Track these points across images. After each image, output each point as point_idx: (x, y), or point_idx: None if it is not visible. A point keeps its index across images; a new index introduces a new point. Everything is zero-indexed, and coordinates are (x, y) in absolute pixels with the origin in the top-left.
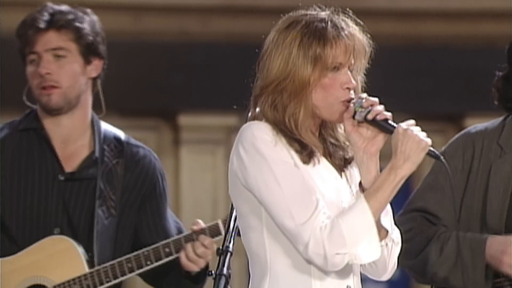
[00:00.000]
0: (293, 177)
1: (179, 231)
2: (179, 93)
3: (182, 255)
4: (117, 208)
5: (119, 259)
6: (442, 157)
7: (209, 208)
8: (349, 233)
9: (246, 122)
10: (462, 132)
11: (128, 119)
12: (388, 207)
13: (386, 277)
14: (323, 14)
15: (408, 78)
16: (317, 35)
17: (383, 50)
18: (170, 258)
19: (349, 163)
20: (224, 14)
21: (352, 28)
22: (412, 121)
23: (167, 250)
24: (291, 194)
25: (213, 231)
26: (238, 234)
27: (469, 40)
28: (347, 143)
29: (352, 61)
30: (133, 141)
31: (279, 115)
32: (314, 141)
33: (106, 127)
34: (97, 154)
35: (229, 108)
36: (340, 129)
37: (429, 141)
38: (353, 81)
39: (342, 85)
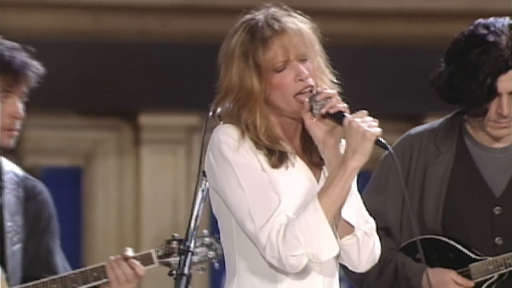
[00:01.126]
0: (256, 180)
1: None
2: (139, 92)
3: (111, 274)
4: (21, 235)
5: (43, 280)
6: (389, 147)
7: (170, 208)
8: (302, 233)
9: (206, 124)
10: (404, 134)
11: (89, 119)
12: (356, 199)
13: (363, 268)
14: (258, 17)
15: (368, 78)
16: (252, 43)
17: (343, 50)
18: (98, 282)
19: None
20: (184, 13)
21: (283, 22)
22: (362, 112)
23: (95, 274)
24: (253, 197)
25: (145, 260)
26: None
27: (428, 40)
28: None
29: (295, 53)
30: (29, 176)
31: (240, 123)
32: (284, 143)
33: (4, 160)
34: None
35: (190, 107)
36: None
37: (376, 130)
38: (305, 71)
39: (295, 79)
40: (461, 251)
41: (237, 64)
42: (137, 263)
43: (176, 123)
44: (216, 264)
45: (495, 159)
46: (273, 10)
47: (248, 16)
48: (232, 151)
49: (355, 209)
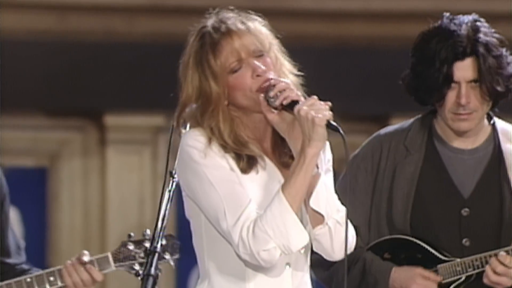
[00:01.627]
0: (227, 179)
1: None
2: (105, 93)
3: (68, 280)
4: None
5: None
6: (341, 130)
7: (136, 209)
8: (271, 226)
9: (172, 128)
10: (374, 134)
11: (54, 119)
12: (326, 189)
13: (337, 256)
14: (207, 23)
15: (334, 79)
16: (204, 50)
17: (309, 51)
18: (55, 287)
19: None
20: (150, 13)
21: (230, 23)
22: (312, 97)
23: (51, 278)
24: (225, 196)
25: (102, 264)
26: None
27: (394, 41)
28: None
29: (247, 51)
30: None
31: (205, 128)
32: (252, 146)
33: None
34: None
35: (156, 108)
36: None
37: (325, 114)
38: (261, 66)
39: (252, 76)
40: (429, 251)
41: (193, 74)
42: (93, 268)
43: (142, 123)
44: (172, 264)
45: (464, 161)
46: (221, 14)
47: (199, 25)
48: (201, 153)
49: (324, 198)
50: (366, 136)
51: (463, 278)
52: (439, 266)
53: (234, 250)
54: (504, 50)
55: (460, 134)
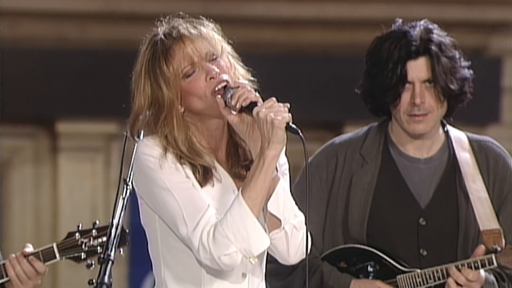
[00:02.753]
0: (185, 186)
1: None
2: (57, 99)
3: (11, 272)
4: None
5: None
6: (299, 131)
7: (88, 216)
8: (231, 230)
9: (126, 135)
10: (328, 142)
11: (5, 126)
12: (284, 193)
13: (292, 260)
14: (158, 31)
15: (287, 86)
16: (155, 56)
17: (263, 58)
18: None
19: None
20: (102, 20)
21: (183, 29)
22: (271, 99)
23: None
24: (183, 201)
25: (47, 255)
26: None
27: (347, 48)
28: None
29: (200, 55)
30: None
31: (160, 136)
32: (206, 156)
33: None
34: None
35: (108, 115)
36: None
37: (284, 116)
38: (215, 68)
39: (206, 79)
40: (387, 261)
41: (145, 82)
42: (36, 260)
43: (94, 130)
44: (121, 253)
45: (420, 170)
46: (172, 21)
47: (150, 34)
48: (157, 161)
49: (282, 202)
50: (320, 143)
51: None
52: (398, 277)
53: (192, 257)
54: (457, 52)
55: (416, 137)
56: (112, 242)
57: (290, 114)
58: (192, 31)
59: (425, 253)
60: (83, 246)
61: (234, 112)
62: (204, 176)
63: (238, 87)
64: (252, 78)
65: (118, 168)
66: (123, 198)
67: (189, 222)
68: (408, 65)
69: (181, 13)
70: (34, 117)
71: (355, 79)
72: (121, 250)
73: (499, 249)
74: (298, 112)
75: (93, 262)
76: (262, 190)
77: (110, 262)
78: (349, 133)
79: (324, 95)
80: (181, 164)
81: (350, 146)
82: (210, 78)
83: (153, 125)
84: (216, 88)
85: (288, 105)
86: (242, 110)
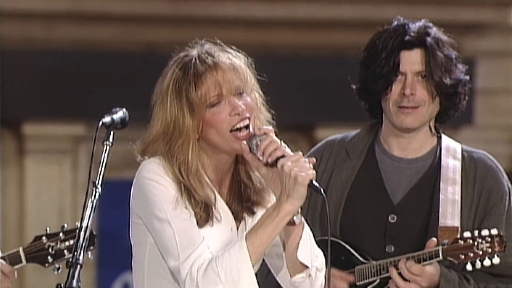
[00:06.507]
0: (182, 216)
1: None
2: (23, 101)
3: None
4: None
5: None
6: (322, 190)
7: (55, 219)
8: (224, 270)
9: (95, 137)
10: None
11: None
12: (310, 239)
13: None
14: (191, 53)
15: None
16: (185, 79)
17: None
18: None
19: (257, 205)
20: (70, 20)
21: (216, 57)
22: (297, 153)
23: None
24: (180, 233)
25: (13, 259)
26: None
27: (318, 49)
28: (261, 179)
29: (229, 87)
30: None
31: (173, 165)
32: (210, 190)
33: None
34: None
35: (76, 117)
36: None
37: (308, 174)
38: (241, 105)
39: (230, 114)
40: (352, 253)
41: (170, 102)
42: (4, 263)
43: (62, 132)
44: (90, 256)
45: (401, 169)
46: (207, 46)
47: (181, 54)
48: (162, 188)
49: (309, 249)
50: (292, 145)
51: (378, 280)
52: (356, 267)
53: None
54: (455, 53)
55: (403, 131)
56: (80, 245)
57: (314, 171)
58: (227, 61)
59: (391, 249)
60: (50, 249)
61: (259, 161)
62: (206, 216)
63: (264, 134)
64: (271, 120)
65: (85, 171)
66: (92, 201)
67: (182, 254)
68: (402, 55)
69: (216, 39)
70: (0, 118)
71: (327, 81)
72: (90, 253)
73: (445, 241)
74: (268, 114)
75: (60, 266)
76: (268, 240)
77: (79, 266)
78: (352, 132)
79: (295, 97)
80: (182, 194)
81: (340, 142)
82: (235, 114)
83: (167, 149)
84: (238, 126)
85: (314, 161)
86: (268, 164)
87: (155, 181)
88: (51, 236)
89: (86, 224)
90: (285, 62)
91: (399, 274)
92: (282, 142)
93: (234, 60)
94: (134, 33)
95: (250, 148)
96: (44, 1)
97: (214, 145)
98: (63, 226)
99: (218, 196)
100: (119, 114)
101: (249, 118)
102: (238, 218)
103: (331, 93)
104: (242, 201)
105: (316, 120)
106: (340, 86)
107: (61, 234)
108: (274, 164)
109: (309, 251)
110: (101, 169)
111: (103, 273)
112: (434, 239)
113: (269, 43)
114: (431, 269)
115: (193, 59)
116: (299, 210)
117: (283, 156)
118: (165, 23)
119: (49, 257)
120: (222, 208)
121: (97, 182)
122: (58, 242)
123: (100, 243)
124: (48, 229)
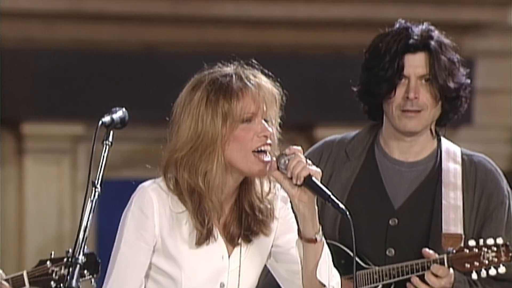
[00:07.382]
0: (133, 258)
1: None
2: (23, 100)
3: None
4: None
5: None
6: (346, 211)
7: (55, 219)
8: None
9: (95, 137)
10: (321, 141)
11: None
12: (328, 259)
13: None
14: (228, 69)
15: None
16: (222, 89)
17: (232, 58)
18: None
19: (256, 235)
20: (69, 20)
21: (259, 78)
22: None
23: None
24: (119, 267)
25: (16, 282)
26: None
27: (317, 49)
28: (263, 210)
29: (264, 109)
30: None
31: (194, 177)
32: (217, 206)
33: None
34: None
35: (75, 116)
36: (259, 192)
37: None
38: (269, 129)
39: (258, 134)
40: (352, 258)
41: (204, 110)
42: (6, 285)
43: (61, 132)
44: (93, 283)
45: (401, 172)
46: (245, 66)
47: (214, 68)
48: (141, 216)
49: (327, 269)
50: (290, 145)
51: (380, 286)
52: (357, 273)
53: None
54: (457, 56)
55: (405, 135)
56: (80, 245)
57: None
58: (267, 86)
59: (391, 253)
60: (54, 274)
61: (289, 176)
62: (206, 237)
63: (293, 153)
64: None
65: (85, 171)
66: (91, 201)
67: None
68: (406, 58)
69: (253, 61)
70: None
71: (326, 81)
72: (93, 280)
73: (450, 249)
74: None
75: None
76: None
77: (78, 266)
78: (351, 133)
79: (295, 96)
80: (190, 216)
81: (339, 144)
82: (263, 136)
83: (191, 160)
84: (262, 148)
85: None
86: (298, 185)
87: (140, 209)
88: (56, 261)
89: (85, 224)
90: (284, 62)
91: (423, 281)
92: (307, 161)
93: (273, 88)
94: (133, 33)
95: (278, 167)
96: (43, 1)
97: (231, 161)
98: (68, 251)
99: (215, 224)
100: (119, 113)
101: (270, 145)
102: (233, 244)
103: (330, 93)
104: (241, 227)
105: (316, 119)
106: (339, 86)
107: (65, 260)
108: (302, 184)
109: (328, 270)
110: (101, 168)
111: (103, 273)
112: (426, 249)
113: (268, 43)
114: (450, 270)
115: (235, 74)
116: (320, 228)
117: (309, 175)
118: (165, 23)
119: (52, 282)
120: (216, 235)
121: (96, 181)
122: (62, 268)
123: (99, 243)
124: (53, 253)
